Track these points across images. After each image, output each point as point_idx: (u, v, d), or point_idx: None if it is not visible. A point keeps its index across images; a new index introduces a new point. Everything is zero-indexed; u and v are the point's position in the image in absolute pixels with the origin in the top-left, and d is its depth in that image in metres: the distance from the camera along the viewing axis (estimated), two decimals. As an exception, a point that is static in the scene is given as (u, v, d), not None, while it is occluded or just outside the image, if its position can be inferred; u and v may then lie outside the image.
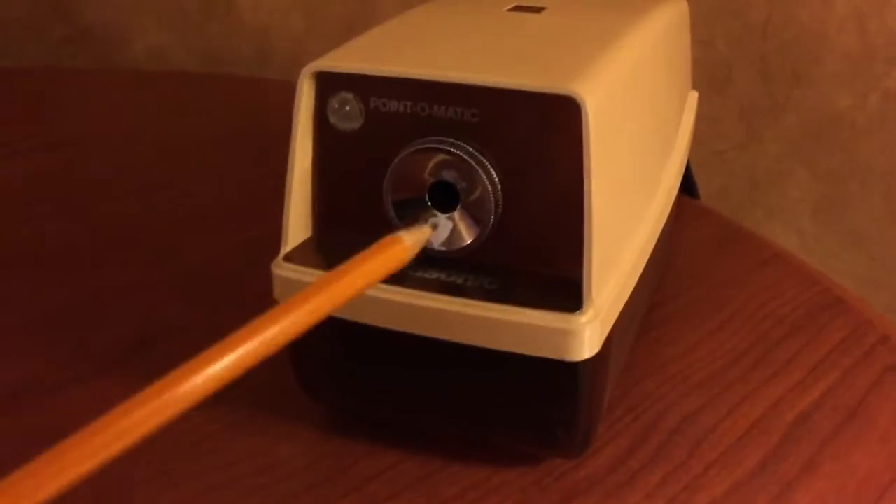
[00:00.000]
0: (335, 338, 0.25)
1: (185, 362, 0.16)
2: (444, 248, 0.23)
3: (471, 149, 0.23)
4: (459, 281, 0.23)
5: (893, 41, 0.49)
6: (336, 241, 0.25)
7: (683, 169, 0.34)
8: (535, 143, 0.22)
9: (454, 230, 0.23)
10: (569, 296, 0.22)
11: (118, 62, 0.69)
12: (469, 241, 0.23)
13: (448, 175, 0.23)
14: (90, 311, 0.33)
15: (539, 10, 0.28)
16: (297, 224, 0.25)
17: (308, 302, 0.19)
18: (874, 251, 0.54)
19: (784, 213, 0.55)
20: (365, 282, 0.20)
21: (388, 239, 0.21)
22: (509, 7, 0.29)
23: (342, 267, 0.20)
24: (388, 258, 0.21)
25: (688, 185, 0.41)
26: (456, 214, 0.23)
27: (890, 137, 0.51)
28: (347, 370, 0.26)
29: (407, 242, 0.21)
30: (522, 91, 0.21)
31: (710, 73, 0.53)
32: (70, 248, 0.37)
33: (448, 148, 0.22)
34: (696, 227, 0.39)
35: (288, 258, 0.25)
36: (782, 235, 0.56)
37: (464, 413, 0.25)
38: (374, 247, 0.21)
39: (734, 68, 0.53)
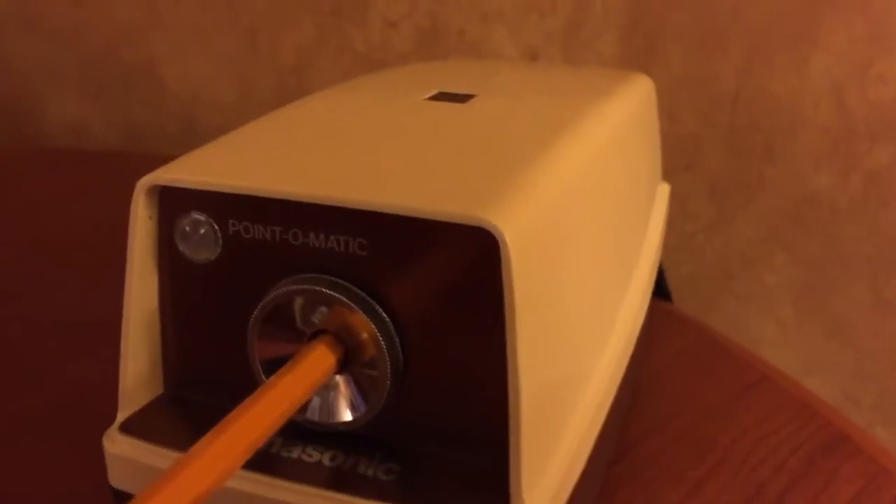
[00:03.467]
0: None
1: None
2: (328, 421, 0.18)
3: (358, 291, 0.17)
4: (348, 466, 0.17)
5: (876, 116, 0.44)
6: (194, 403, 0.19)
7: (654, 277, 0.28)
8: (441, 288, 0.16)
9: (341, 397, 0.17)
10: (492, 493, 0.16)
11: (31, 136, 0.63)
12: (361, 413, 0.17)
13: (330, 325, 0.17)
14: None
15: (466, 98, 0.23)
16: (140, 381, 0.19)
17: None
18: (862, 343, 0.49)
19: (760, 300, 0.50)
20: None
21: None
22: (430, 95, 0.23)
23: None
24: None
25: (657, 285, 0.36)
26: (341, 378, 0.17)
27: (875, 220, 0.46)
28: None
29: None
30: (421, 219, 0.16)
31: (677, 148, 0.48)
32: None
33: (326, 290, 0.17)
34: (669, 339, 0.33)
35: (126, 428, 0.19)
36: (758, 326, 0.51)
37: None
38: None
39: (703, 143, 0.48)
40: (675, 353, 0.32)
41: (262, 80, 0.56)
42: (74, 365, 0.31)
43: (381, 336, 0.17)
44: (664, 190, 0.30)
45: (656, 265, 0.27)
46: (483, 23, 0.50)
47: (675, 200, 0.48)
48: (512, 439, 0.16)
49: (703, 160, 0.48)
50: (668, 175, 0.35)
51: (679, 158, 0.48)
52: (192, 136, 0.59)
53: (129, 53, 0.58)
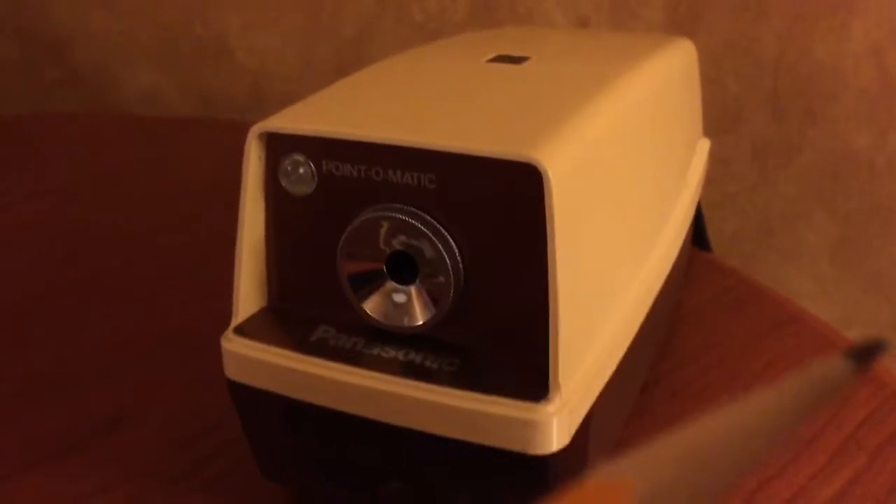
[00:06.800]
0: (290, 419, 0.23)
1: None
2: (402, 325, 0.21)
3: (428, 217, 0.20)
4: (418, 360, 0.21)
5: (912, 78, 0.46)
6: (293, 312, 0.23)
7: (689, 224, 0.31)
8: (496, 214, 0.20)
9: (413, 305, 0.21)
10: (535, 382, 0.20)
11: (110, 105, 0.68)
12: (428, 318, 0.21)
13: (406, 245, 0.21)
14: (61, 380, 0.31)
15: (521, 60, 0.26)
16: (250, 294, 0.23)
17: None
18: (898, 297, 0.51)
19: (801, 257, 0.53)
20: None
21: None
22: (490, 57, 0.26)
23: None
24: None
25: (698, 237, 0.39)
26: (413, 289, 0.21)
27: (911, 178, 0.48)
28: (304, 452, 0.23)
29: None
30: (479, 157, 0.19)
31: (720, 112, 0.51)
32: (47, 308, 0.35)
33: (403, 217, 0.20)
34: (707, 283, 0.36)
35: (239, 331, 0.23)
36: (798, 281, 0.53)
37: (427, 498, 0.22)
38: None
39: (745, 107, 0.50)
40: (711, 295, 0.35)
41: (323, 51, 0.60)
42: (176, 301, 0.35)
43: (446, 253, 0.20)
44: (704, 145, 0.33)
45: (692, 209, 0.31)
46: (536, -7, 0.53)
47: (719, 161, 0.51)
48: (551, 340, 0.19)
49: (746, 123, 0.51)
50: (711, 137, 0.38)
51: (723, 121, 0.51)
52: (260, 104, 0.64)
53: (202, 28, 0.63)
